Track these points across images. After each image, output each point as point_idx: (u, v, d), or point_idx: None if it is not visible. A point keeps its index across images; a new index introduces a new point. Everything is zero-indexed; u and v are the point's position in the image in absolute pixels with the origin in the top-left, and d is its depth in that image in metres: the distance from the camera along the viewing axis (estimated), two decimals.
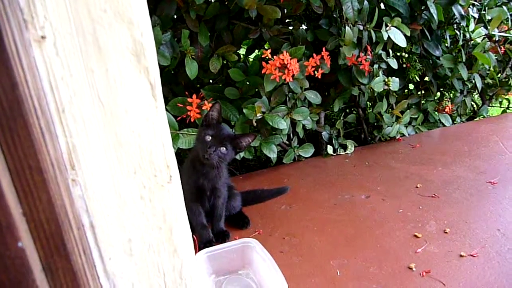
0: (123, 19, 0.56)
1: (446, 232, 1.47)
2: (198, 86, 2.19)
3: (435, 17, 2.16)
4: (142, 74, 0.59)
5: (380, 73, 2.20)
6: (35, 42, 0.52)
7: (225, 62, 2.08)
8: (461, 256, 1.33)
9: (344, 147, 2.42)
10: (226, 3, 1.96)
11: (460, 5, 2.30)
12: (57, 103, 0.55)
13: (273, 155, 2.02)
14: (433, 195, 1.77)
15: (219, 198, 1.51)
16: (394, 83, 2.21)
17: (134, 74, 0.58)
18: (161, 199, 0.65)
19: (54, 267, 0.52)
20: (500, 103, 3.28)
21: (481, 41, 2.44)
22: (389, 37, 2.02)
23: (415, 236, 1.46)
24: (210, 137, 1.35)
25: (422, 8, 2.24)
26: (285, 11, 2.11)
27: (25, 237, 0.48)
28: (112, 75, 0.57)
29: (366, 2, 1.99)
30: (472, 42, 2.51)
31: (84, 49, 0.55)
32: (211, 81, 2.20)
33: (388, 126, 2.45)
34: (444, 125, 2.82)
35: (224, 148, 1.36)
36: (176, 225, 0.67)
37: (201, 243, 1.43)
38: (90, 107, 0.57)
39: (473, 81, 2.67)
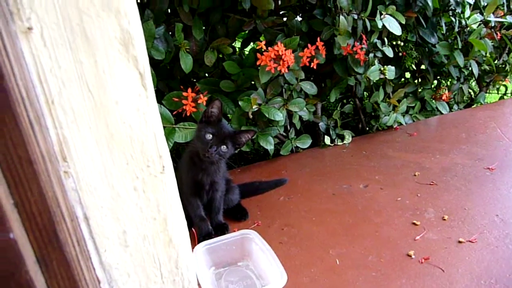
0: (110, 8, 0.55)
1: (445, 219, 1.47)
2: (194, 80, 2.18)
3: (430, 4, 2.15)
4: (131, 64, 0.58)
5: (376, 62, 2.19)
6: (22, 34, 0.51)
7: (220, 55, 2.07)
8: (459, 242, 1.33)
9: (342, 138, 2.42)
10: None
11: None
12: (46, 94, 0.54)
13: (270, 147, 2.01)
14: (431, 183, 1.77)
15: (217, 191, 1.51)
16: (390, 72, 2.20)
17: (123, 63, 0.58)
18: (155, 189, 0.65)
19: (48, 259, 0.51)
20: (498, 89, 3.27)
21: (477, 27, 2.43)
22: (384, 25, 2.00)
23: (414, 223, 1.46)
24: (211, 136, 1.34)
25: None
26: (279, 2, 2.10)
27: (17, 228, 0.48)
28: (101, 65, 0.57)
29: None
30: (468, 28, 2.50)
31: (72, 40, 0.54)
32: (206, 74, 2.19)
33: (385, 115, 2.45)
34: (441, 113, 2.82)
35: (225, 147, 1.35)
36: (170, 216, 0.67)
37: (200, 236, 1.43)
38: (80, 98, 0.57)
39: (470, 68, 2.66)
